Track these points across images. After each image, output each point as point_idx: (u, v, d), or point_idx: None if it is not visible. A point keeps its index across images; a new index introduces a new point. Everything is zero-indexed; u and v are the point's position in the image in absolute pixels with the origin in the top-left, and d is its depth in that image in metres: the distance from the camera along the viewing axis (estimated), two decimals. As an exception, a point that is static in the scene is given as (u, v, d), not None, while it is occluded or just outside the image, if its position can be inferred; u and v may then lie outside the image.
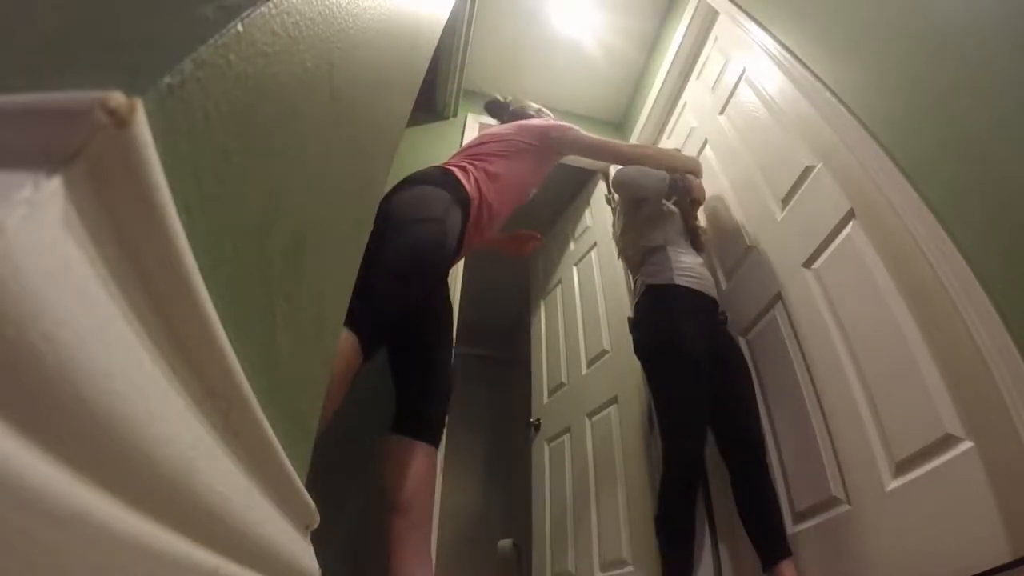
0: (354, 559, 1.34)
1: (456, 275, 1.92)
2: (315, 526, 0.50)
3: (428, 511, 1.13)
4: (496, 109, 1.88)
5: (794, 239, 1.44)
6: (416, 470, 1.10)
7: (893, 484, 1.05)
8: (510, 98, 1.84)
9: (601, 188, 2.49)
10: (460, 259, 1.58)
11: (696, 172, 1.72)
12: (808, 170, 1.40)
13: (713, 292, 1.53)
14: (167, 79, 0.20)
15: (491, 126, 2.47)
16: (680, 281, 1.49)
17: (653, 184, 1.65)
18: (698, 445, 1.32)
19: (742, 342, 1.59)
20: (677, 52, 2.19)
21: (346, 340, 0.94)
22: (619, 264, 2.02)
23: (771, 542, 1.19)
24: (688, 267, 1.54)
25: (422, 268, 1.13)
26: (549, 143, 1.55)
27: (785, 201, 1.49)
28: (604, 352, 2.10)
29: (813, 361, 1.32)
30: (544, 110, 1.83)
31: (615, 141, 1.68)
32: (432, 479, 1.16)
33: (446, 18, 1.31)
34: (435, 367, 1.25)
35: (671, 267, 1.51)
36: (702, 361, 1.38)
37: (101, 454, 0.17)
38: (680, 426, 1.34)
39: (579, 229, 2.57)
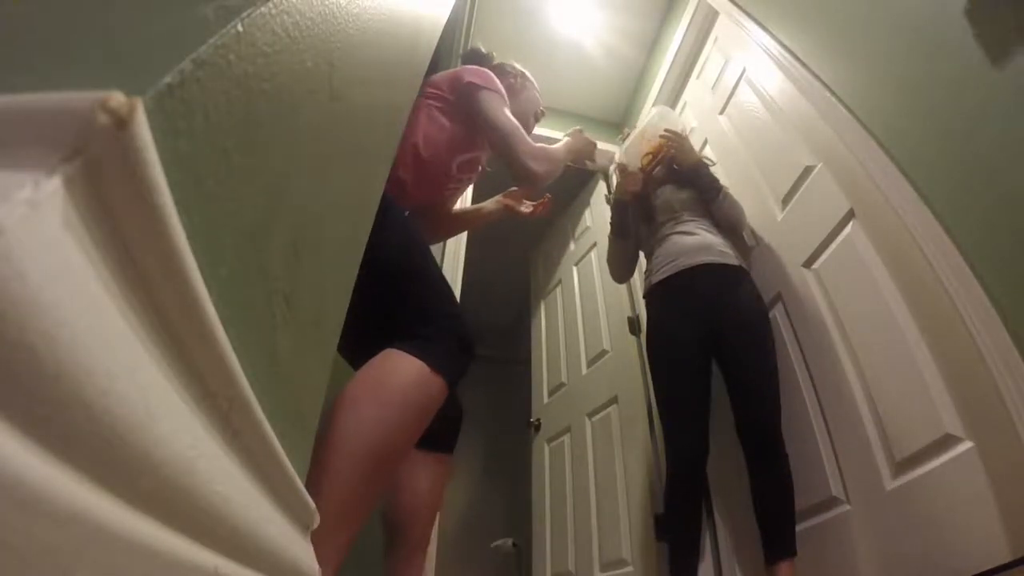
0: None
1: (456, 275, 1.92)
2: (315, 526, 0.50)
3: (426, 529, 0.94)
4: (469, 59, 1.41)
5: (794, 239, 1.44)
6: (418, 483, 0.93)
7: (893, 484, 1.05)
8: (494, 54, 1.42)
9: (601, 188, 2.50)
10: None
11: (583, 152, 1.45)
12: (808, 170, 1.40)
13: (701, 257, 1.43)
14: (167, 79, 0.20)
15: None
16: (647, 287, 1.56)
17: (608, 251, 1.71)
18: (690, 440, 1.31)
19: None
20: (677, 52, 2.19)
21: (437, 383, 0.77)
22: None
23: (773, 539, 1.17)
24: (656, 262, 1.54)
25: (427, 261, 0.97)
26: (459, 92, 1.16)
27: (785, 201, 1.49)
28: (604, 352, 2.10)
29: (813, 361, 1.32)
30: (527, 75, 1.42)
31: (521, 138, 1.12)
32: (435, 492, 0.97)
33: (446, 18, 1.31)
34: None
35: (646, 278, 1.60)
36: (682, 359, 1.37)
37: (101, 454, 0.17)
38: (670, 423, 1.37)
39: (579, 229, 2.57)
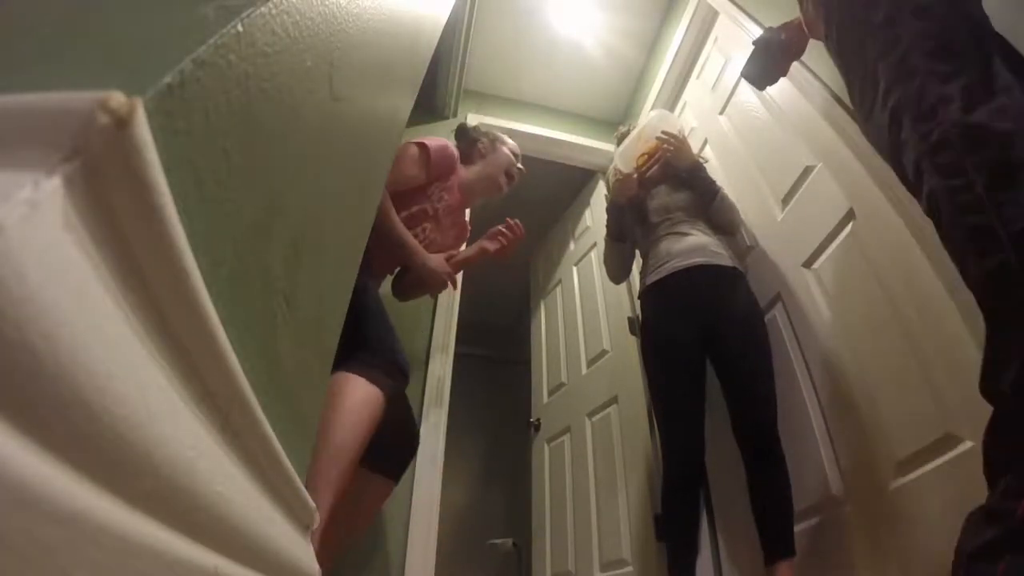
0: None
1: (457, 276, 1.92)
2: (315, 526, 0.50)
3: (347, 536, 1.10)
4: (457, 134, 1.63)
5: (794, 239, 1.44)
6: (359, 496, 1.08)
7: (893, 484, 1.05)
8: (480, 127, 1.64)
9: (601, 188, 2.50)
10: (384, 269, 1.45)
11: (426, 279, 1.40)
12: (808, 170, 1.40)
13: (696, 258, 1.45)
14: (167, 79, 0.20)
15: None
16: (642, 288, 1.56)
17: (604, 255, 1.73)
18: (687, 442, 1.31)
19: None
20: (677, 52, 2.19)
21: (375, 393, 0.96)
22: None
23: (772, 539, 1.17)
24: (651, 263, 1.55)
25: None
26: None
27: (785, 201, 1.49)
28: (604, 352, 2.10)
29: (813, 361, 1.32)
30: (501, 138, 1.60)
31: (387, 207, 1.28)
32: (369, 508, 1.17)
33: (446, 18, 1.31)
34: None
35: (641, 280, 1.62)
36: (678, 360, 1.37)
37: (101, 454, 0.17)
38: (666, 425, 1.37)
39: (579, 229, 2.57)
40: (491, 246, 1.48)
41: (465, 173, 1.49)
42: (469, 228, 1.64)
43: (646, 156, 1.68)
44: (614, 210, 1.67)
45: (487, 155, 1.55)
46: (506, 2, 2.33)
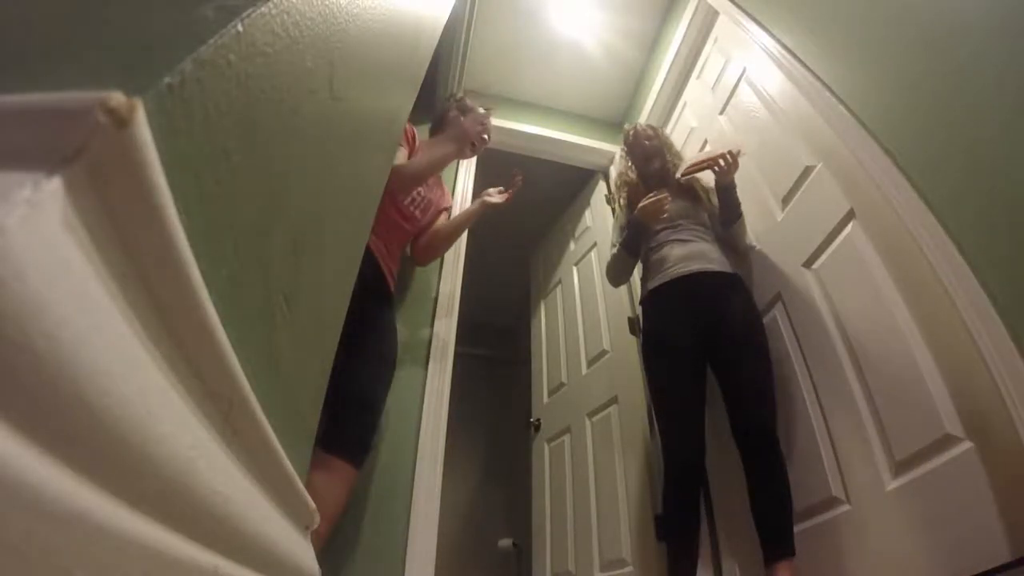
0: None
1: (456, 275, 1.92)
2: (315, 526, 0.50)
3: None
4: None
5: (794, 239, 1.44)
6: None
7: (893, 484, 1.05)
8: (453, 98, 1.80)
9: (601, 188, 2.49)
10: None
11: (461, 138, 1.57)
12: (808, 170, 1.40)
13: (697, 264, 1.47)
14: (167, 79, 0.20)
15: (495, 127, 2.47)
16: (643, 294, 1.59)
17: (613, 263, 1.72)
18: (688, 443, 1.31)
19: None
20: (677, 52, 2.19)
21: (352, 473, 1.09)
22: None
23: (772, 539, 1.17)
24: (652, 269, 1.56)
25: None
26: None
27: (785, 201, 1.49)
28: (604, 352, 2.09)
29: (813, 361, 1.32)
30: (475, 110, 1.72)
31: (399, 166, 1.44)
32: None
33: (446, 18, 1.31)
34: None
35: (642, 285, 1.64)
36: (679, 364, 1.38)
37: (101, 454, 0.17)
38: (667, 427, 1.37)
39: (579, 229, 2.57)
40: (498, 200, 1.67)
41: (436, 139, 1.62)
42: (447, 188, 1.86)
43: (697, 164, 1.63)
44: (638, 226, 1.63)
45: (454, 122, 1.67)
46: (506, 2, 2.33)
